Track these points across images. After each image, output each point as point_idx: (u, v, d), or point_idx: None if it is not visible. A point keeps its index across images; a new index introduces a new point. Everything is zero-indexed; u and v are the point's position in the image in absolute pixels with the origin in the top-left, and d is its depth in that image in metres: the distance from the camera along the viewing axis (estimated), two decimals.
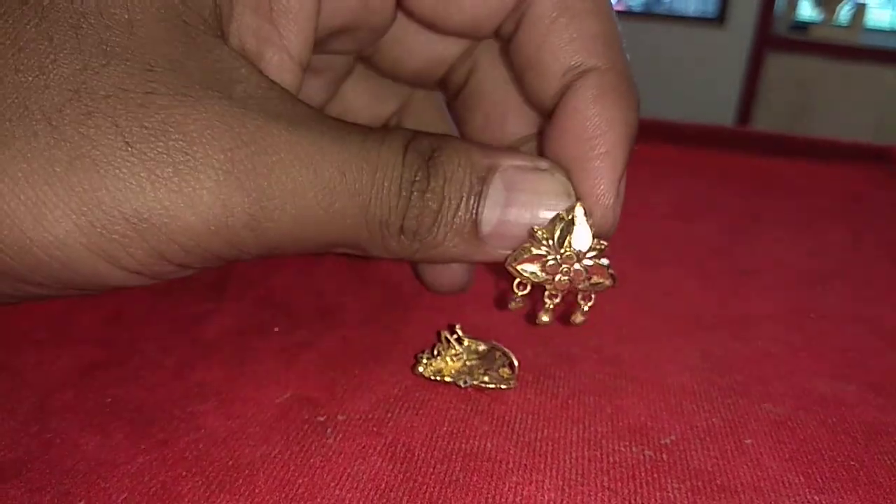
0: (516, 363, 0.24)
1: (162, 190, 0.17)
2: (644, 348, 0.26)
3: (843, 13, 2.14)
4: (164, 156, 0.17)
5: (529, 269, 0.21)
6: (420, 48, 0.25)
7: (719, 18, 2.13)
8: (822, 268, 0.34)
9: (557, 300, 0.21)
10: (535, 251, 0.20)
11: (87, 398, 0.22)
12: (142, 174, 0.17)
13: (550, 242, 0.20)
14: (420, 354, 0.24)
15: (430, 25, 0.23)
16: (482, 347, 0.25)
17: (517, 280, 0.21)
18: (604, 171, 0.20)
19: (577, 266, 0.21)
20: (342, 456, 0.20)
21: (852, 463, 0.21)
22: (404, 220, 0.19)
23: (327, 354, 0.25)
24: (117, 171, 0.16)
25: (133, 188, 0.17)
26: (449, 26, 0.23)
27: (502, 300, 0.27)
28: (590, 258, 0.20)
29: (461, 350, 0.24)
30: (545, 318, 0.22)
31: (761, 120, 2.13)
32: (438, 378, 0.23)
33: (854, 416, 0.23)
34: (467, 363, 0.24)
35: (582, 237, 0.20)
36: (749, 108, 2.12)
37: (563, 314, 0.24)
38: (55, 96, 0.16)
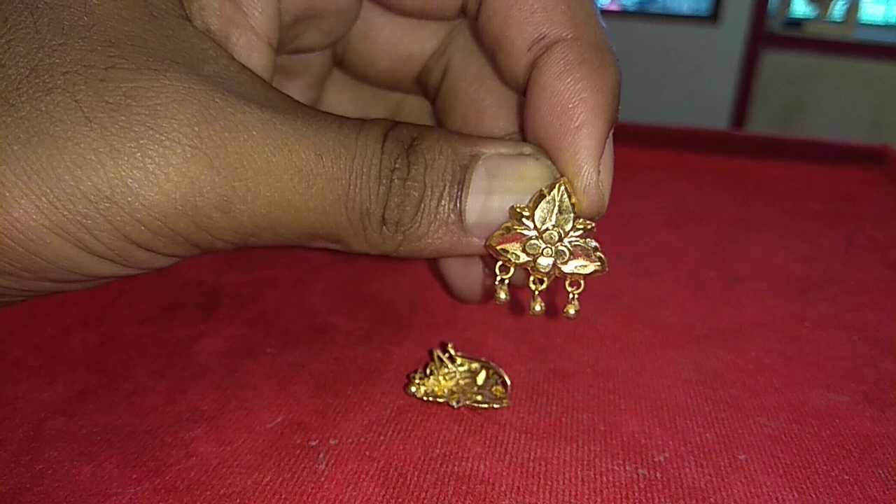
0: (508, 382, 0.24)
1: (124, 166, 0.16)
2: (637, 361, 0.26)
3: (838, 8, 2.14)
4: (127, 130, 0.16)
5: (511, 249, 0.19)
6: (389, 43, 0.25)
7: (713, 16, 2.13)
8: (815, 274, 0.34)
9: (543, 287, 0.20)
10: (517, 230, 0.19)
11: (80, 426, 0.22)
12: (102, 149, 0.16)
13: (532, 221, 0.19)
14: (412, 374, 0.24)
15: (389, 5, 0.23)
16: (475, 366, 0.25)
17: (499, 262, 0.20)
18: (579, 146, 0.19)
19: (560, 247, 0.19)
20: (334, 482, 0.20)
21: (846, 477, 0.21)
22: (385, 210, 0.19)
23: (319, 376, 0.25)
24: (77, 146, 0.16)
25: (93, 164, 0.16)
26: (408, 3, 0.22)
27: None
28: (574, 238, 0.19)
29: (454, 369, 0.24)
30: (537, 308, 0.20)
31: (757, 118, 2.13)
32: (431, 399, 0.23)
33: (848, 428, 0.23)
34: (460, 382, 0.24)
35: (564, 214, 0.19)
36: (744, 106, 2.12)
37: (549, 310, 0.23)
38: (11, 75, 0.16)
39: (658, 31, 2.17)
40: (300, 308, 0.29)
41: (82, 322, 0.27)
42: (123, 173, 0.16)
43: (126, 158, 0.16)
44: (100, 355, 0.25)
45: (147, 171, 0.16)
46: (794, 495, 0.20)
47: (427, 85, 0.25)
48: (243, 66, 0.19)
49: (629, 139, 0.52)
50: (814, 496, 0.20)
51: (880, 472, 0.21)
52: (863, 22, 2.18)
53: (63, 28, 0.16)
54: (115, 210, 0.16)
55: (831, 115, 2.07)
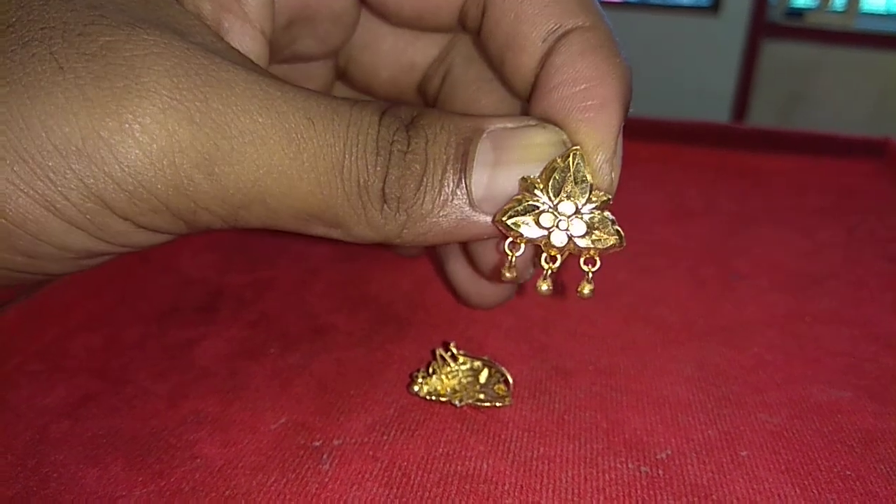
0: (511, 380, 0.24)
1: (97, 114, 0.15)
2: (639, 359, 0.26)
3: None
4: (101, 78, 0.15)
5: (522, 223, 0.18)
6: (392, 53, 0.24)
7: (713, 7, 2.12)
8: (816, 269, 0.34)
9: (556, 265, 0.19)
10: (528, 202, 0.18)
11: (84, 429, 0.22)
12: (75, 98, 0.15)
13: (545, 193, 0.18)
14: (415, 373, 0.24)
15: (385, 14, 0.22)
16: (477, 364, 0.25)
17: (509, 239, 0.19)
18: (600, 123, 0.18)
19: (575, 220, 0.18)
20: (338, 482, 0.20)
21: (848, 473, 0.21)
22: (385, 184, 0.18)
23: (321, 376, 0.25)
24: (49, 95, 0.15)
25: (65, 113, 0.15)
26: (404, 13, 0.22)
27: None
28: (590, 210, 0.18)
29: (456, 367, 0.24)
30: (544, 287, 0.19)
31: (758, 109, 2.12)
32: (433, 398, 0.23)
33: (850, 423, 0.23)
34: (462, 380, 0.24)
35: (579, 185, 0.18)
36: (745, 97, 2.11)
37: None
38: None
39: (658, 22, 2.16)
40: (301, 309, 0.29)
41: (84, 325, 0.28)
42: (96, 123, 0.15)
43: (99, 107, 0.15)
44: (102, 359, 0.26)
45: (121, 120, 0.15)
46: (795, 491, 0.20)
47: (427, 93, 0.25)
48: (231, 45, 0.18)
49: (628, 132, 0.51)
50: (816, 492, 0.20)
51: (882, 467, 0.21)
52: (864, 11, 2.17)
53: None
54: (86, 164, 0.15)
55: (833, 106, 2.06)
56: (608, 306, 0.30)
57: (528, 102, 0.21)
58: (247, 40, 0.19)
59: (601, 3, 0.20)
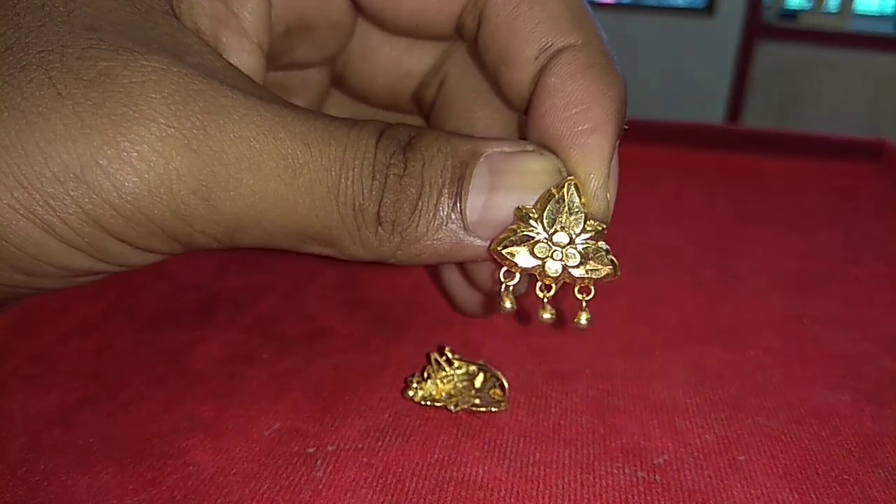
0: (506, 385, 0.24)
1: (95, 142, 0.15)
2: (637, 362, 0.26)
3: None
4: (99, 106, 0.15)
5: (517, 253, 0.18)
6: (388, 60, 0.24)
7: (707, 9, 2.12)
8: (813, 270, 0.34)
9: (551, 293, 0.19)
10: (522, 232, 0.18)
11: (77, 436, 0.22)
12: (73, 125, 0.15)
13: (540, 223, 0.18)
14: (410, 378, 0.24)
15: (382, 23, 0.22)
16: (472, 368, 0.24)
17: (503, 268, 0.19)
18: (591, 148, 0.18)
19: (570, 250, 0.18)
20: (332, 490, 0.20)
21: (846, 477, 0.21)
22: (381, 207, 0.18)
23: (316, 381, 0.24)
24: (47, 122, 0.15)
25: (63, 140, 0.15)
26: (401, 21, 0.22)
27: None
28: (584, 241, 0.18)
29: (451, 372, 0.24)
30: (546, 316, 0.19)
31: (752, 110, 2.13)
32: (428, 403, 0.23)
33: (848, 427, 0.23)
34: (458, 385, 0.24)
35: (574, 215, 0.18)
36: (740, 98, 2.12)
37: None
38: None
39: (653, 23, 2.16)
40: (297, 312, 0.29)
41: (79, 330, 0.27)
42: (94, 150, 0.15)
43: (97, 135, 0.15)
44: (97, 364, 0.25)
45: (119, 148, 0.16)
46: (794, 496, 0.20)
47: (423, 101, 0.25)
48: (230, 63, 0.18)
49: (628, 135, 0.52)
50: (814, 497, 0.20)
51: (880, 471, 0.21)
52: (857, 13, 2.18)
53: (44, 12, 0.16)
54: (84, 191, 0.16)
55: (827, 107, 2.06)
56: (606, 308, 0.30)
57: (524, 115, 0.21)
58: (244, 56, 0.20)
59: (596, 4, 0.19)
